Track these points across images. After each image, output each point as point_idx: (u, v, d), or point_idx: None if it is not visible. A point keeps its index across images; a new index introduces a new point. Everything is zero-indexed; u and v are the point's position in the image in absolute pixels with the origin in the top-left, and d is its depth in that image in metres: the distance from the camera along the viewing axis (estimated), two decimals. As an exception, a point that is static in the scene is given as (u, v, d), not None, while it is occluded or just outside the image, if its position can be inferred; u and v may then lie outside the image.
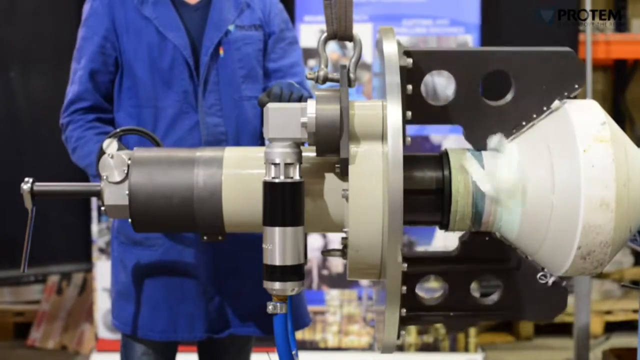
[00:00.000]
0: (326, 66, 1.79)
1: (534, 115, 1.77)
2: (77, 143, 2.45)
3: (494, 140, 1.78)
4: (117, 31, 2.48)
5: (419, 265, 1.84)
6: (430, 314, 1.88)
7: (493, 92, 1.84)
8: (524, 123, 1.78)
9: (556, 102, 1.76)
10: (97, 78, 2.49)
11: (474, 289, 1.88)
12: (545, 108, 1.77)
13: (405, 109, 1.68)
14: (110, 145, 1.91)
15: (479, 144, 1.80)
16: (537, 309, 1.89)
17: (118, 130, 2.11)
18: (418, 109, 1.76)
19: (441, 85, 4.55)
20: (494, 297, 1.89)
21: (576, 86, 1.78)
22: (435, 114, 1.81)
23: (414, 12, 4.66)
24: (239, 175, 1.84)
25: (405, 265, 1.67)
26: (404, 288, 1.71)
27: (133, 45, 2.48)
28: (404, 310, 1.78)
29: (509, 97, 1.80)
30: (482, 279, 1.91)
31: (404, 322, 1.79)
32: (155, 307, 2.50)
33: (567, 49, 1.82)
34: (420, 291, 1.87)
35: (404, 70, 1.69)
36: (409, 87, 1.73)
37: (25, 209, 1.96)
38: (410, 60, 1.73)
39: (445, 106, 1.80)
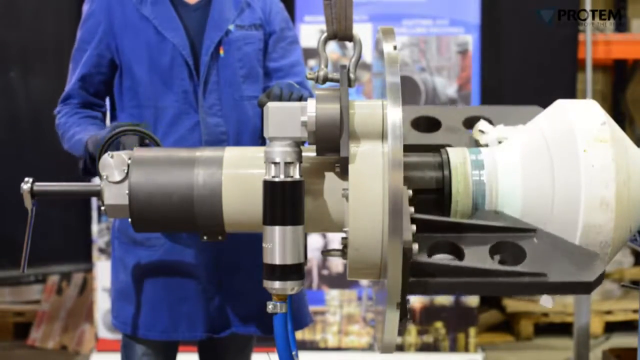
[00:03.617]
0: (326, 66, 1.79)
1: None
2: (63, 128, 2.48)
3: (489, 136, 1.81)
4: (116, 31, 2.48)
5: (430, 232, 1.69)
6: (442, 280, 1.63)
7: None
8: None
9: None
10: (89, 79, 2.51)
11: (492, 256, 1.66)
12: None
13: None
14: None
15: None
16: (566, 271, 1.63)
17: (118, 130, 2.11)
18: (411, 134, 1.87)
19: (441, 84, 4.55)
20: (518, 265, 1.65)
21: None
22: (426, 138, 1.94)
23: (414, 12, 4.66)
24: (239, 175, 1.84)
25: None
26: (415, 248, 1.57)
27: (132, 45, 2.48)
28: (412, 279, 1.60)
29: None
30: (500, 246, 1.69)
31: (412, 291, 1.62)
32: (155, 306, 2.49)
33: (536, 106, 2.01)
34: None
35: None
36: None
37: (25, 208, 1.96)
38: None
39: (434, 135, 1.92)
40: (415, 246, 1.58)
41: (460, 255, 1.66)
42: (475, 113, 1.96)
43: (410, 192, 1.68)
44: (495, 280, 1.62)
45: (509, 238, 1.69)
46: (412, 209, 1.66)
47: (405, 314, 1.59)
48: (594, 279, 1.62)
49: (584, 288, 1.63)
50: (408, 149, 1.72)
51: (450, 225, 1.72)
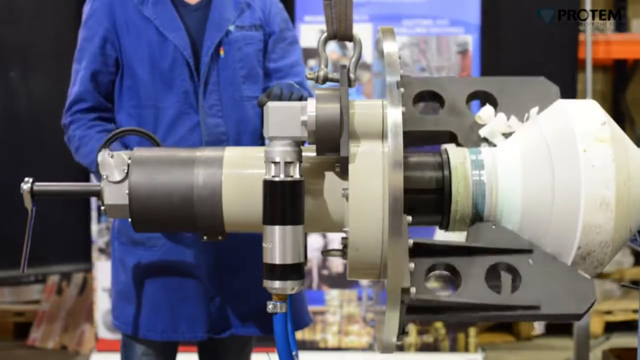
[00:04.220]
0: (326, 66, 1.79)
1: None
2: (80, 142, 2.45)
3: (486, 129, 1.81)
4: (117, 31, 2.48)
5: (427, 256, 1.74)
6: (441, 308, 1.72)
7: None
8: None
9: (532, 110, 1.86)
10: (98, 79, 2.49)
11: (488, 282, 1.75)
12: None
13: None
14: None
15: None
16: (559, 301, 1.70)
17: (118, 130, 2.11)
18: (410, 119, 1.82)
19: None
20: (513, 290, 1.72)
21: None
22: (427, 123, 1.89)
23: (414, 12, 4.66)
24: (239, 175, 1.84)
25: (412, 241, 1.68)
26: (411, 282, 1.64)
27: (133, 46, 2.48)
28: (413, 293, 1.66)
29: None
30: (496, 268, 1.75)
31: (410, 312, 1.68)
32: (155, 307, 2.49)
33: (540, 77, 1.97)
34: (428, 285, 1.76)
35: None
36: (403, 109, 1.70)
37: (25, 208, 1.96)
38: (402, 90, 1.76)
39: (436, 118, 1.87)
40: (412, 265, 1.66)
41: (456, 276, 1.74)
42: (479, 86, 1.93)
43: (410, 218, 1.67)
44: (489, 314, 1.73)
45: (505, 259, 1.74)
46: (410, 242, 1.68)
47: (403, 332, 1.70)
48: (584, 311, 1.70)
49: (575, 317, 1.73)
50: (410, 135, 1.73)
51: (446, 249, 1.76)
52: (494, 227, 1.79)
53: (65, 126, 2.51)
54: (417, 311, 1.71)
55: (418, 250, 1.70)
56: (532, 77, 1.96)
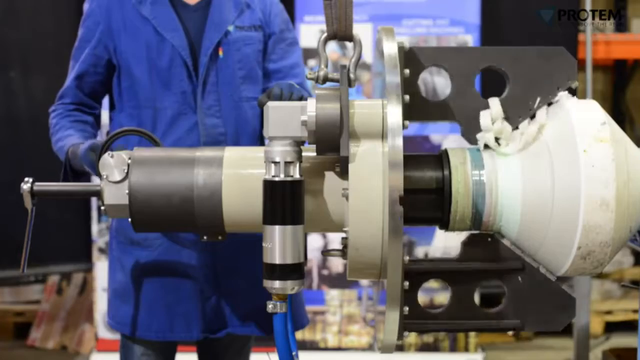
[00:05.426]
0: (326, 66, 1.79)
1: (530, 109, 1.80)
2: (53, 129, 2.49)
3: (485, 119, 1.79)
4: (115, 31, 2.48)
5: (420, 272, 1.82)
6: (434, 322, 1.85)
7: (491, 91, 1.86)
8: (520, 118, 1.80)
9: (561, 94, 1.80)
10: (84, 78, 2.52)
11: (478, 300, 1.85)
12: (539, 100, 1.81)
13: (405, 112, 1.68)
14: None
15: (476, 142, 1.81)
16: (543, 317, 1.83)
17: (118, 130, 2.11)
18: (416, 106, 1.78)
19: (440, 84, 4.55)
20: (499, 307, 1.84)
21: (569, 81, 1.82)
22: (432, 112, 1.84)
23: (414, 12, 4.66)
24: (239, 175, 1.84)
25: (407, 258, 1.70)
26: (405, 301, 1.72)
27: (131, 46, 2.48)
28: (406, 311, 1.77)
29: (504, 93, 1.83)
30: (486, 282, 1.86)
31: (406, 328, 1.79)
32: (152, 307, 2.49)
33: (559, 47, 1.87)
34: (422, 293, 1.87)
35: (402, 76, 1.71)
36: (407, 97, 1.72)
37: (25, 208, 1.96)
38: (407, 71, 1.77)
39: (442, 103, 1.82)
40: (406, 283, 1.74)
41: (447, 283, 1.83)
42: (490, 60, 1.86)
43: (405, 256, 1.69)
44: (477, 322, 1.85)
45: (496, 276, 1.83)
46: (406, 259, 1.71)
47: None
48: (561, 329, 1.82)
49: (554, 331, 1.86)
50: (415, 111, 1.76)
51: (438, 270, 1.84)
52: (489, 239, 1.80)
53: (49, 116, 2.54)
54: (410, 327, 1.82)
55: (411, 269, 1.77)
56: (550, 47, 1.88)
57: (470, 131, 1.82)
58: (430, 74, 4.59)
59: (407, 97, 1.74)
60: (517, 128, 1.79)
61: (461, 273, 1.82)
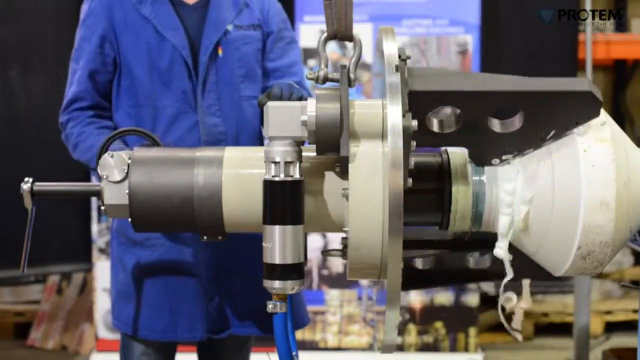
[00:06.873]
0: (326, 66, 1.79)
1: (542, 139, 1.70)
2: (79, 138, 2.46)
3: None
4: (116, 31, 2.48)
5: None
6: (424, 277, 1.83)
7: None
8: (531, 150, 1.72)
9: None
10: (96, 78, 2.49)
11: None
12: (553, 132, 1.69)
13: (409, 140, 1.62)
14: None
15: (483, 164, 1.75)
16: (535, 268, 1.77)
17: (118, 131, 2.11)
18: (422, 137, 1.68)
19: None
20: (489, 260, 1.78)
21: (590, 118, 1.69)
22: (439, 141, 1.75)
23: (414, 12, 4.66)
24: (239, 175, 1.84)
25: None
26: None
27: (131, 45, 2.48)
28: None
29: (517, 124, 1.70)
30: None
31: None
32: (155, 307, 2.49)
33: (586, 88, 1.68)
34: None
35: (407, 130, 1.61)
36: (414, 122, 1.62)
37: (25, 208, 1.96)
38: (415, 123, 1.62)
39: (450, 133, 1.73)
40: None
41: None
42: (506, 100, 1.68)
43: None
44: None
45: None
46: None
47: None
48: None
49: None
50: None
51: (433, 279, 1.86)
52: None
53: (62, 124, 2.51)
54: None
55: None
56: (576, 91, 1.68)
57: (479, 157, 1.75)
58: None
59: (414, 122, 1.63)
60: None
61: (474, 94, 1.66)
